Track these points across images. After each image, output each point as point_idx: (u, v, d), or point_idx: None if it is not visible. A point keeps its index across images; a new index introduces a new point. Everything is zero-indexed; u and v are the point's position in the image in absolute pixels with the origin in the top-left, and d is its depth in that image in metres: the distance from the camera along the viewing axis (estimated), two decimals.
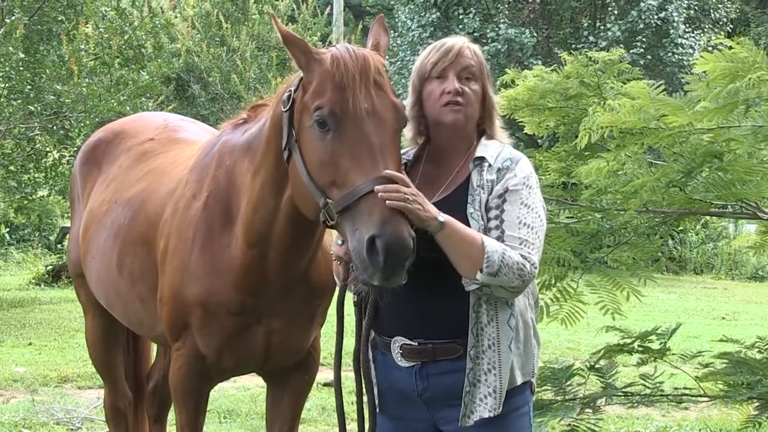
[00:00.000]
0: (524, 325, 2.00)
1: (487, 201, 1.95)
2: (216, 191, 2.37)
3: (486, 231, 1.93)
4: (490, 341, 1.93)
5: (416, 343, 1.98)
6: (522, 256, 1.88)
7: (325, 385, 4.91)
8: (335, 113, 1.88)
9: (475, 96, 2.00)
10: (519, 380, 1.98)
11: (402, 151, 2.15)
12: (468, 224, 1.91)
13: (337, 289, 2.15)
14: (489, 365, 1.93)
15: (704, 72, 2.82)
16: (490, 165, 1.98)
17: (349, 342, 2.12)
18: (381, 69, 1.95)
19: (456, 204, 1.95)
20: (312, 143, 1.93)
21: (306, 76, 1.99)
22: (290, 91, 2.04)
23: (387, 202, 1.76)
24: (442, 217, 1.85)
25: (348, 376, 2.36)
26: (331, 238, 2.27)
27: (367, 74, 1.90)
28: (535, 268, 1.90)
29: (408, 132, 2.07)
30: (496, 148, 2.03)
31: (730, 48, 2.71)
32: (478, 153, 2.01)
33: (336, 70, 1.90)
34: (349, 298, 2.08)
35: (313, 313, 2.46)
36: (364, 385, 2.08)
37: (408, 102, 2.05)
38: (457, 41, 2.05)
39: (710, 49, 2.76)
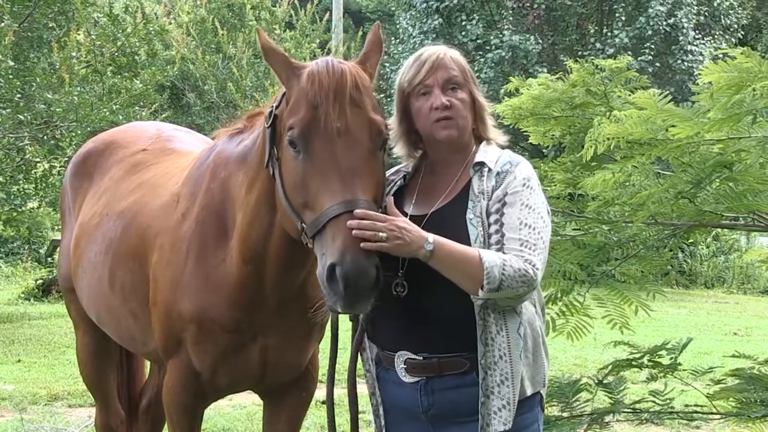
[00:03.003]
0: (533, 334, 1.97)
1: (488, 206, 1.92)
2: (210, 204, 2.34)
3: (487, 237, 1.89)
4: (501, 351, 1.90)
5: (421, 358, 1.95)
6: (524, 260, 1.84)
7: (324, 402, 4.80)
8: (305, 133, 1.84)
9: (463, 105, 1.98)
10: (529, 391, 1.96)
11: (402, 165, 2.13)
12: (467, 230, 1.89)
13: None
14: (502, 377, 1.90)
15: (710, 82, 2.77)
16: (489, 169, 1.96)
17: (345, 358, 2.07)
18: (360, 84, 1.88)
19: (456, 210, 1.92)
20: (287, 163, 1.91)
21: (287, 92, 1.96)
22: (272, 106, 2.01)
23: (362, 244, 1.72)
24: (430, 243, 1.80)
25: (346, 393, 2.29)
26: None
27: (342, 91, 1.85)
28: (538, 269, 1.85)
29: (400, 150, 2.05)
30: (495, 152, 2.01)
31: (735, 58, 2.65)
32: (478, 158, 1.99)
33: (310, 87, 1.86)
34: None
35: (310, 329, 2.42)
36: (349, 403, 2.05)
37: (393, 120, 2.02)
38: (434, 51, 2.02)
39: (719, 57, 2.70)
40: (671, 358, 3.26)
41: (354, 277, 1.69)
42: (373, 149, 1.86)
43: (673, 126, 2.72)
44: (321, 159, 1.81)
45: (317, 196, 1.80)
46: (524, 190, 1.91)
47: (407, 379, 1.96)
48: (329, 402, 2.13)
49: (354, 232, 1.72)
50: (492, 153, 2.00)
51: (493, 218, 1.89)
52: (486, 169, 1.95)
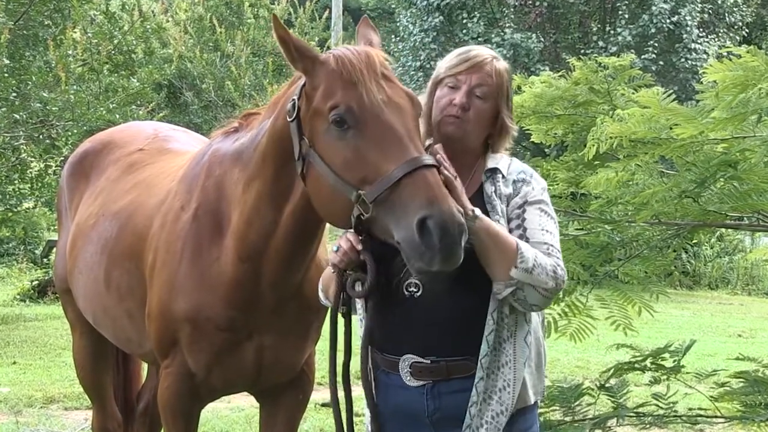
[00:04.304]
0: (536, 342, 1.97)
1: (507, 212, 1.94)
2: (205, 202, 2.32)
3: None
4: (507, 358, 1.90)
5: (428, 361, 1.92)
6: (552, 260, 1.87)
7: (323, 405, 4.80)
8: (352, 109, 1.84)
9: (481, 115, 1.98)
10: (531, 399, 1.95)
11: None
12: None
13: (323, 302, 2.09)
14: (504, 382, 1.89)
15: (714, 81, 2.75)
16: (503, 176, 1.98)
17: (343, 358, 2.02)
18: (385, 62, 1.93)
19: None
20: (333, 145, 1.87)
21: (310, 82, 1.94)
22: (293, 100, 1.99)
23: (443, 170, 1.76)
24: (476, 210, 1.84)
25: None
26: (326, 253, 2.25)
27: (373, 67, 1.88)
28: (565, 272, 1.88)
29: (421, 126, 2.04)
30: (505, 159, 2.03)
31: (740, 57, 2.63)
32: (490, 164, 2.01)
33: (342, 68, 1.88)
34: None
35: (307, 329, 2.41)
36: (367, 403, 2.00)
37: (423, 98, 2.03)
38: (484, 53, 2.02)
39: (723, 55, 2.67)
40: (674, 361, 3.24)
41: (448, 224, 1.67)
42: (416, 116, 1.90)
43: (676, 125, 2.71)
44: (375, 129, 1.81)
45: (380, 164, 1.78)
46: (542, 199, 1.96)
47: (412, 383, 1.93)
48: (335, 407, 2.07)
49: (426, 159, 1.75)
50: (502, 160, 2.02)
51: (514, 223, 1.93)
52: (499, 176, 1.97)
